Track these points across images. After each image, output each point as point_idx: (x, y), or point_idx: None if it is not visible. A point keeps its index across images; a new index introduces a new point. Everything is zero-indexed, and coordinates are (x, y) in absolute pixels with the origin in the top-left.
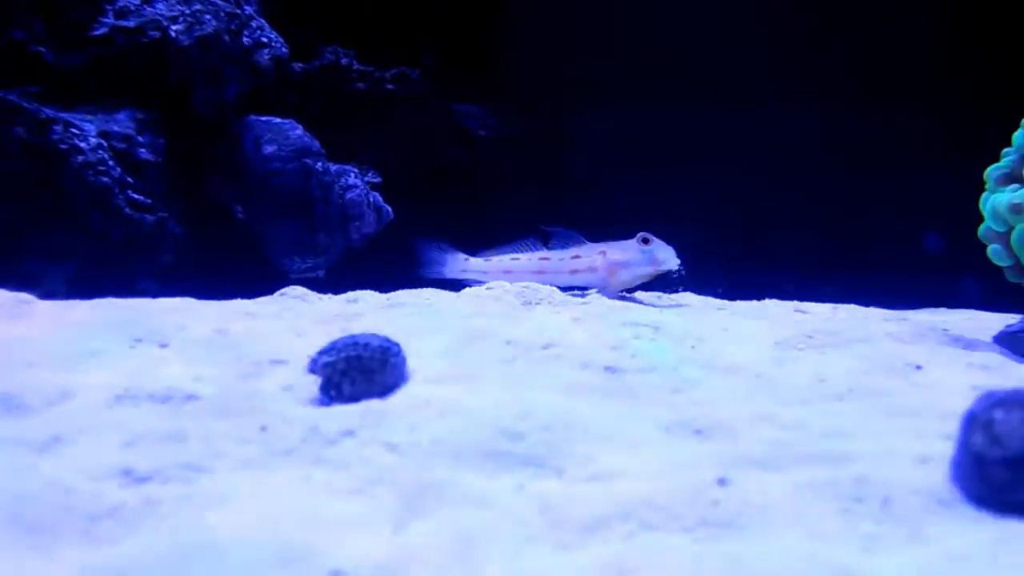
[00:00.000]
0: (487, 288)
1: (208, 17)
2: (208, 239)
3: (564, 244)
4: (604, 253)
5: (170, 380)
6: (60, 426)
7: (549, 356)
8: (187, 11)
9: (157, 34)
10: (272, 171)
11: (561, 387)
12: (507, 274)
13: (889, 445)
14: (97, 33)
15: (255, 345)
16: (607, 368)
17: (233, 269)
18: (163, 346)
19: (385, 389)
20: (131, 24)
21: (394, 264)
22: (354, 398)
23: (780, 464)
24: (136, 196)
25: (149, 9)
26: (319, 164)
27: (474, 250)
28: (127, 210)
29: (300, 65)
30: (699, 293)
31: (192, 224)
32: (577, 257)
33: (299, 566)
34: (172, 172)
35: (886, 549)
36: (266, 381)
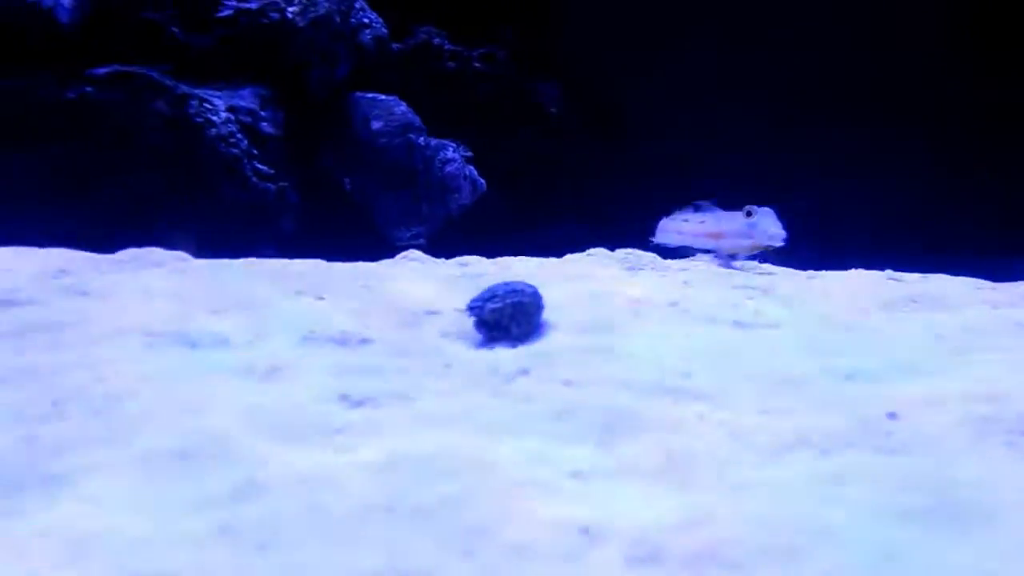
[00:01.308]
0: (588, 254)
1: None
2: (319, 209)
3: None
4: (715, 221)
5: (341, 326)
6: (269, 360)
7: (676, 311)
8: None
9: (276, 15)
10: (380, 146)
11: (702, 337)
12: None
13: None
14: (222, 15)
15: (403, 298)
16: (735, 323)
17: (342, 237)
18: (320, 298)
19: (534, 331)
20: (253, 6)
21: (485, 233)
22: (519, 339)
23: (943, 401)
24: (260, 166)
25: None
26: (421, 139)
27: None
28: (253, 179)
29: (396, 45)
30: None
31: (305, 195)
32: (703, 223)
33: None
34: (289, 146)
35: None
36: (426, 329)
